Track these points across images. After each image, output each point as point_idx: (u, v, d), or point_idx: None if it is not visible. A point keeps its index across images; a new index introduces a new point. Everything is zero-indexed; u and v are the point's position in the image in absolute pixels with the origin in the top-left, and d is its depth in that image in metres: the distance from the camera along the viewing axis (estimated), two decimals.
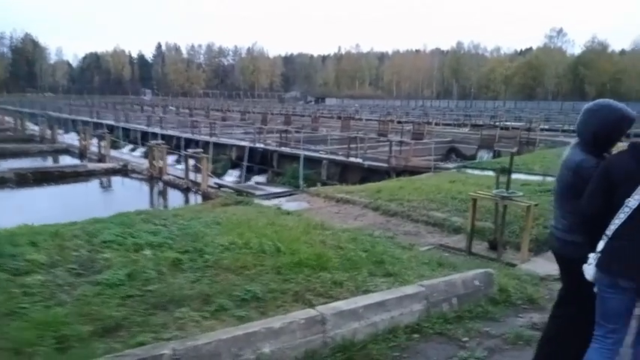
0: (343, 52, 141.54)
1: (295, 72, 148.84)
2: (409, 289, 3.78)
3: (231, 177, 22.09)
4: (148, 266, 4.03)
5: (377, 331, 3.44)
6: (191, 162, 25.31)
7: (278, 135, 21.81)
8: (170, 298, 3.50)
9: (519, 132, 22.86)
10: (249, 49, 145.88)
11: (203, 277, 3.93)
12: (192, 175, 11.40)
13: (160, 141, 15.36)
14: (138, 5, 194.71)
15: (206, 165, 10.96)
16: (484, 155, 23.34)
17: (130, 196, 11.83)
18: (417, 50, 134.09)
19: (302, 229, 6.11)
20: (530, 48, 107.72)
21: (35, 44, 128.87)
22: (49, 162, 16.99)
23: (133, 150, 29.97)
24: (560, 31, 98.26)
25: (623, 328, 2.43)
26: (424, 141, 25.27)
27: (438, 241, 6.97)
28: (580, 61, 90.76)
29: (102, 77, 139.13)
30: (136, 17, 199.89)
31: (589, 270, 2.39)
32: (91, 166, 14.94)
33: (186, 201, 11.07)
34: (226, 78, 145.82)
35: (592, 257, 2.38)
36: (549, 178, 12.45)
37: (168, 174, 12.59)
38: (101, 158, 15.99)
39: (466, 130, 30.36)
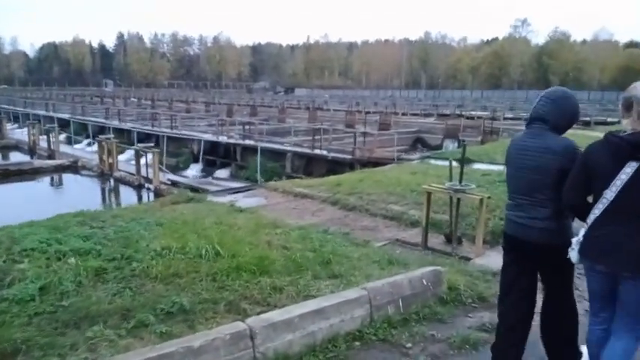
0: (312, 42, 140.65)
1: (264, 62, 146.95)
2: (350, 294, 3.55)
3: (193, 171, 21.53)
4: (66, 277, 3.65)
5: (314, 341, 3.19)
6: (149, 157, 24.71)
7: (241, 127, 21.26)
8: (85, 315, 3.15)
9: (483, 121, 23.07)
10: (215, 38, 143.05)
11: (126, 289, 3.58)
12: (146, 171, 10.85)
13: (110, 135, 14.64)
14: None
15: (157, 160, 10.46)
16: (449, 145, 23.53)
17: (77, 194, 11.22)
18: (385, 40, 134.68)
19: (251, 228, 5.80)
20: (497, 38, 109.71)
21: None
22: None
23: (89, 145, 28.85)
24: (524, 21, 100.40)
25: (607, 308, 2.57)
26: (390, 131, 25.28)
27: (395, 236, 6.79)
28: (544, 51, 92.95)
29: (61, 68, 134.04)
30: (96, 5, 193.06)
31: (573, 254, 2.54)
32: (38, 163, 14.12)
33: (139, 199, 10.58)
34: (192, 68, 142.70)
35: (574, 242, 2.53)
36: None
37: (120, 170, 12.00)
38: (51, 154, 15.18)
39: (432, 120, 30.54)
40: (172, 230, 5.44)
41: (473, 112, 37.39)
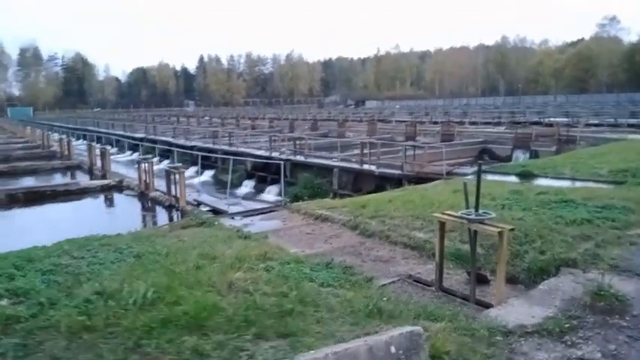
0: (383, 53, 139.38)
1: (335, 76, 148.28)
2: None
3: (246, 188, 21.46)
4: None
5: None
6: (208, 174, 25.07)
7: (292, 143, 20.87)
8: None
9: (558, 129, 20.77)
10: (287, 55, 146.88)
11: (19, 347, 3.01)
12: (175, 191, 10.65)
13: (148, 156, 14.81)
14: (180, 19, 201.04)
15: (183, 180, 10.21)
16: (520, 156, 21.44)
17: (119, 215, 11.31)
18: (460, 47, 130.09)
19: (230, 262, 5.12)
20: (582, 39, 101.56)
21: (85, 62, 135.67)
22: (58, 179, 16.90)
23: (159, 162, 30.07)
24: (613, 19, 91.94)
25: None
26: (453, 142, 23.67)
27: (410, 270, 5.78)
28: (637, 49, 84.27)
29: (148, 91, 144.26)
30: (179, 31, 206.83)
31: None
32: (84, 183, 14.60)
33: (170, 219, 10.37)
34: (266, 86, 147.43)
35: None
36: (578, 183, 10.86)
37: (157, 190, 11.98)
38: (104, 174, 15.73)
39: (502, 128, 28.27)
40: (140, 265, 4.91)
41: (552, 119, 34.29)
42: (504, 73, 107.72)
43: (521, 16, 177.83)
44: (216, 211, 9.58)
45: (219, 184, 23.39)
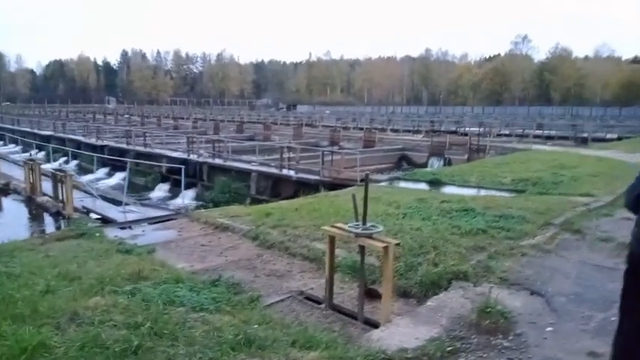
0: (314, 59, 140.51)
1: (267, 79, 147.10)
2: None
3: (160, 192, 20.27)
4: None
5: None
6: (119, 176, 23.42)
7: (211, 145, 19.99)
8: None
9: (469, 138, 21.68)
10: (218, 55, 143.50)
11: None
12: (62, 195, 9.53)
13: (38, 155, 13.35)
14: (102, 10, 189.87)
15: (71, 185, 9.18)
16: (435, 163, 22.19)
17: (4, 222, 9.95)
18: (388, 57, 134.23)
19: (96, 281, 4.46)
20: (498, 54, 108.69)
21: None
22: None
23: (66, 162, 27.72)
24: (525, 38, 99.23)
25: None
26: (373, 149, 24.01)
27: (304, 286, 5.40)
28: (545, 67, 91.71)
29: (67, 85, 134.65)
30: (101, 22, 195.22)
31: None
32: None
33: (57, 228, 9.27)
34: (195, 85, 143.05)
35: None
36: (482, 191, 11.17)
37: (45, 194, 10.73)
38: None
39: (420, 137, 29.18)
40: None
41: (467, 129, 36.05)
42: (427, 84, 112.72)
43: (445, 29, 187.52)
44: (105, 220, 8.67)
45: (132, 187, 21.94)
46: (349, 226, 4.39)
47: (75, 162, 27.16)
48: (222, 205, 14.12)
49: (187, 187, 19.58)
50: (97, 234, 6.96)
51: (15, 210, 11.30)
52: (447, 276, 5.10)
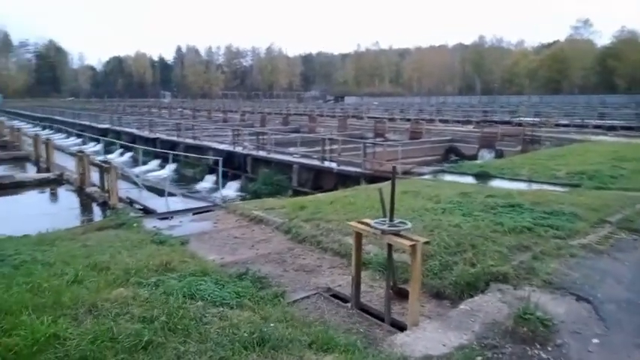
0: (363, 49, 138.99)
1: (315, 71, 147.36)
2: None
3: (207, 183, 20.68)
4: None
5: None
6: (171, 167, 24.14)
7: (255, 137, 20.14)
8: None
9: (524, 129, 20.56)
10: (267, 49, 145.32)
11: None
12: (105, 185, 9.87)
13: (96, 147, 13.86)
14: (158, 8, 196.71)
15: (115, 176, 9.46)
16: (485, 155, 21.22)
17: (44, 211, 10.43)
18: (439, 46, 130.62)
19: (124, 272, 4.50)
20: (557, 40, 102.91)
21: (58, 50, 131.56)
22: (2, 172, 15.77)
23: (121, 154, 28.98)
24: (586, 22, 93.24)
25: None
26: (420, 140, 23.34)
27: (332, 282, 5.23)
28: (609, 53, 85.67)
29: (125, 81, 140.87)
30: (157, 20, 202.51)
31: None
32: (20, 176, 13.61)
33: (104, 217, 9.60)
34: (245, 79, 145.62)
35: None
36: (534, 185, 10.51)
37: (94, 185, 11.16)
38: (49, 166, 14.75)
39: (470, 127, 28.07)
40: (11, 278, 4.25)
41: (523, 119, 34.35)
42: (481, 72, 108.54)
43: (499, 16, 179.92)
44: (147, 210, 8.88)
45: (182, 179, 22.56)
46: (375, 223, 4.17)
47: (130, 154, 28.32)
48: (264, 196, 14.20)
49: (232, 178, 19.95)
50: (135, 224, 7.10)
51: (68, 200, 11.85)
52: (484, 277, 4.77)
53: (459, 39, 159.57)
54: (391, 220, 4.12)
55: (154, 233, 6.64)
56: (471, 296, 4.55)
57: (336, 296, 4.89)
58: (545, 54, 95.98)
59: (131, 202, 9.68)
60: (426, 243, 4.04)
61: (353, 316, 4.39)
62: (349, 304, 4.62)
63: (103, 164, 9.79)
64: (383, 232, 4.03)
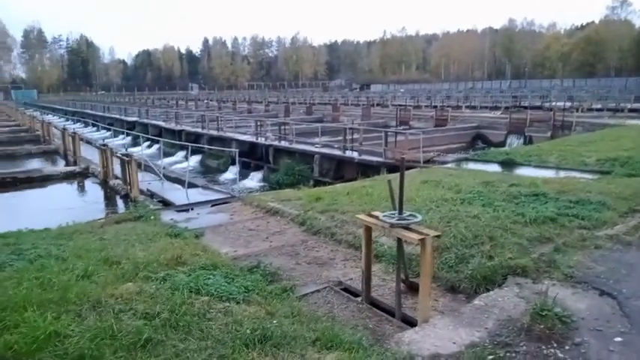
0: (389, 36, 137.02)
1: (340, 60, 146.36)
2: None
3: (230, 174, 20.83)
4: None
5: None
6: (195, 159, 24.40)
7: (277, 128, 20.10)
8: None
9: (554, 114, 19.83)
10: (292, 38, 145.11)
11: None
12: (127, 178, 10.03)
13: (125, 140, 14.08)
14: (185, 1, 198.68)
15: (135, 169, 9.56)
16: (514, 141, 20.67)
17: (70, 203, 10.69)
18: (467, 30, 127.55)
19: (134, 266, 4.52)
20: (592, 22, 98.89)
21: (89, 45, 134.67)
22: (34, 164, 16.27)
23: (149, 147, 29.48)
24: (624, 1, 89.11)
25: None
26: (446, 128, 22.87)
27: (344, 276, 5.13)
28: None
29: (153, 74, 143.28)
30: (184, 13, 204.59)
31: None
32: (48, 170, 13.98)
33: (127, 209, 9.77)
34: (271, 69, 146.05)
35: None
36: (562, 173, 10.11)
37: (117, 177, 11.35)
38: (75, 160, 15.12)
39: (499, 113, 27.29)
40: (24, 272, 4.32)
41: (555, 104, 33.18)
42: (511, 56, 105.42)
43: None
44: (166, 203, 8.96)
45: (206, 170, 22.82)
46: (384, 216, 4.02)
47: (157, 146, 28.80)
48: (285, 187, 14.19)
49: (255, 169, 20.03)
50: (152, 217, 7.15)
51: (92, 192, 12.13)
52: (502, 270, 4.57)
53: (489, 23, 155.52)
54: (400, 212, 3.96)
55: (170, 226, 6.67)
56: (487, 290, 4.37)
57: (347, 290, 4.78)
58: (578, 36, 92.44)
59: (152, 195, 9.80)
60: (437, 237, 3.87)
61: (363, 311, 4.28)
62: (360, 298, 4.51)
63: (124, 157, 9.93)
64: (392, 225, 3.88)
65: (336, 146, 16.68)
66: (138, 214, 7.30)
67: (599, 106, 31.00)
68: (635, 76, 69.02)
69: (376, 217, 4.19)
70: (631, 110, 27.41)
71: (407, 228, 3.86)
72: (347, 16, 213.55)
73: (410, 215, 3.97)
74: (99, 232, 6.52)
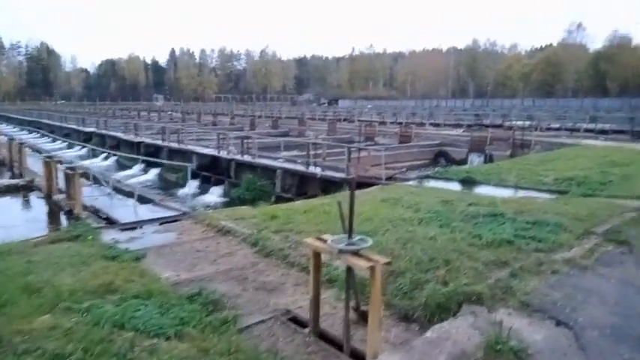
0: (357, 52, 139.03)
1: (309, 74, 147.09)
2: None
3: (190, 188, 20.19)
4: None
5: None
6: (154, 172, 23.59)
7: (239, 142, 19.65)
8: None
9: (513, 133, 20.25)
10: (261, 52, 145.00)
11: None
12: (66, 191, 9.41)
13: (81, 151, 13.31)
14: (151, 10, 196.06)
15: (79, 184, 8.97)
16: (475, 159, 20.92)
17: (7, 220, 9.90)
18: (433, 49, 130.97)
19: (57, 295, 4.04)
20: (550, 44, 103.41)
21: (50, 52, 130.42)
22: None
23: (105, 159, 28.40)
24: (579, 26, 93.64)
25: None
26: (409, 144, 23.01)
27: (294, 303, 4.78)
28: (601, 56, 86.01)
29: (117, 84, 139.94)
30: (151, 23, 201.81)
31: None
32: None
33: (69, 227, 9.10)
34: (239, 82, 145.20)
35: None
36: (520, 192, 10.13)
37: (62, 192, 10.66)
38: (21, 172, 14.24)
39: (460, 131, 27.75)
40: None
41: (515, 122, 34.07)
42: (474, 76, 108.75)
43: (493, 20, 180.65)
44: (110, 220, 8.41)
45: (165, 184, 22.04)
46: (332, 240, 3.73)
47: (114, 158, 27.74)
48: (247, 202, 13.75)
49: (216, 183, 19.47)
50: (90, 237, 6.61)
51: (38, 208, 11.35)
52: (457, 297, 4.34)
53: (453, 42, 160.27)
54: (350, 237, 3.68)
55: (108, 247, 6.16)
56: (442, 320, 4.13)
57: (295, 319, 4.44)
58: (538, 58, 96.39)
59: (97, 212, 9.21)
60: (388, 263, 3.60)
61: (309, 345, 3.95)
62: (307, 330, 4.17)
63: (69, 170, 9.30)
64: (340, 251, 3.59)
65: (299, 161, 16.40)
66: (76, 233, 6.75)
67: (557, 125, 32.04)
68: (590, 97, 72.15)
69: (325, 242, 3.89)
70: (587, 130, 28.41)
71: (356, 254, 3.58)
72: (316, 31, 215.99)
73: (360, 239, 3.69)
74: (30, 252, 5.94)
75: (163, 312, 4.08)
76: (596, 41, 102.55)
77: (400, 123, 36.24)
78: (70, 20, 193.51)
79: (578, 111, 51.40)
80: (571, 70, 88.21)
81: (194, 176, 20.85)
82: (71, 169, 9.21)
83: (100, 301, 4.06)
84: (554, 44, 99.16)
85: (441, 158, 22.43)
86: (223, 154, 19.99)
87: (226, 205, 15.93)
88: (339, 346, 3.93)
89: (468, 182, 11.28)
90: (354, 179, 4.03)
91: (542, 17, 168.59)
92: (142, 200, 11.00)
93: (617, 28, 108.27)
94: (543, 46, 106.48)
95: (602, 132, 27.34)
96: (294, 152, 20.35)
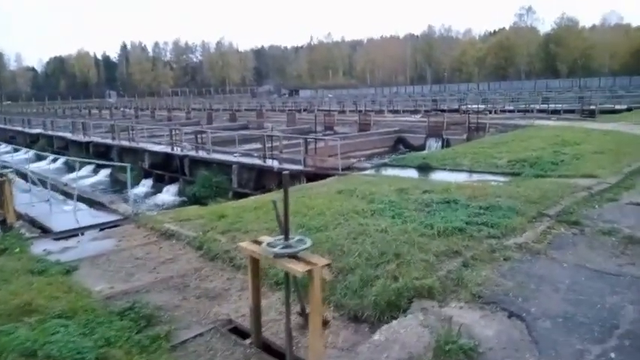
0: (315, 42, 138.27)
1: (268, 65, 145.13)
2: None
3: (143, 188, 19.42)
4: None
5: None
6: (104, 173, 22.56)
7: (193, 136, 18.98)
8: None
9: (468, 117, 20.45)
10: (217, 43, 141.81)
11: None
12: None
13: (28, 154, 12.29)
14: (100, 4, 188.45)
15: (10, 190, 8.28)
16: (432, 144, 21.06)
17: None
18: (390, 37, 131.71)
19: None
20: (503, 28, 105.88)
21: None
22: None
23: (54, 161, 27.01)
24: (529, 9, 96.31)
25: None
26: (367, 132, 22.92)
27: (237, 311, 4.45)
28: (551, 39, 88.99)
29: (68, 82, 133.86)
30: (100, 17, 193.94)
31: None
32: None
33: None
34: (196, 75, 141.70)
35: None
36: (475, 176, 10.11)
37: None
38: None
39: (418, 117, 27.92)
40: None
41: (471, 106, 34.64)
42: (431, 62, 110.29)
43: (448, 4, 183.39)
44: (43, 229, 7.81)
45: (116, 184, 21.09)
46: (268, 243, 3.41)
47: (63, 160, 26.39)
48: (204, 200, 13.24)
49: (170, 182, 18.78)
50: (18, 249, 6.04)
51: None
52: (407, 293, 4.12)
53: (410, 29, 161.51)
54: (286, 239, 3.37)
55: (37, 260, 5.63)
56: (392, 318, 3.90)
57: (236, 330, 4.11)
58: (491, 42, 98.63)
59: (32, 220, 8.54)
60: (327, 265, 3.30)
61: (250, 358, 3.63)
62: (249, 341, 3.86)
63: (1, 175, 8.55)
64: (275, 255, 3.28)
65: (256, 155, 15.96)
66: (3, 246, 6.16)
67: (511, 107, 32.79)
68: (542, 78, 74.55)
69: (257, 244, 3.56)
70: (539, 111, 29.18)
71: (294, 257, 3.28)
72: (273, 21, 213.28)
73: (298, 241, 3.39)
74: None
75: (87, 332, 3.67)
76: (545, 24, 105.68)
77: (360, 111, 36.20)
78: (11, 17, 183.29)
79: (531, 93, 53.00)
80: (523, 53, 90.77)
81: (147, 175, 20.09)
82: (1, 175, 8.50)
83: (12, 326, 3.60)
84: (507, 28, 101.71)
85: (400, 145, 22.48)
86: (177, 150, 19.27)
87: (182, 204, 15.34)
88: (282, 357, 3.64)
89: (424, 168, 11.19)
90: (287, 175, 3.70)
91: (494, 0, 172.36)
92: (90, 204, 10.34)
93: (564, 11, 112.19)
94: (496, 29, 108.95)
95: (555, 112, 28.15)
96: (254, 145, 19.88)
